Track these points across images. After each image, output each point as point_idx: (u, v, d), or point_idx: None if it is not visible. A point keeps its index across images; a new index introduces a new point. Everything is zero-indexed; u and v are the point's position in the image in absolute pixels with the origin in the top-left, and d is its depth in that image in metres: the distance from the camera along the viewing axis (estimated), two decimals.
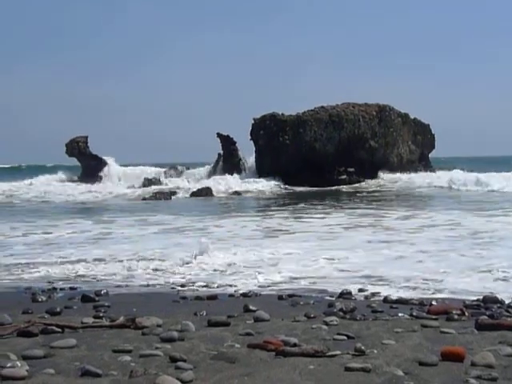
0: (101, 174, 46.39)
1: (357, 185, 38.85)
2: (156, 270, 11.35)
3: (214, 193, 35.43)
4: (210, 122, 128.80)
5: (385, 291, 9.11)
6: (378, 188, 37.15)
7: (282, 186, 38.52)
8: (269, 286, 9.78)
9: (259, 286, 9.79)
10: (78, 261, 12.29)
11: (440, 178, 38.80)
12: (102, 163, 47.65)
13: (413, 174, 40.91)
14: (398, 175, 40.60)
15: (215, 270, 11.18)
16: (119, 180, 46.19)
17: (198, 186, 37.48)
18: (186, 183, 40.81)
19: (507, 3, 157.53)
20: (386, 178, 40.47)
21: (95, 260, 12.34)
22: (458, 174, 38.87)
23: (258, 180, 39.78)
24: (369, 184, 39.04)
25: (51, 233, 17.31)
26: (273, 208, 25.90)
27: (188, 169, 48.10)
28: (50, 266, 11.75)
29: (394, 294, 8.77)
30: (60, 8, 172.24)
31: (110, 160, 48.18)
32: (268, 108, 60.91)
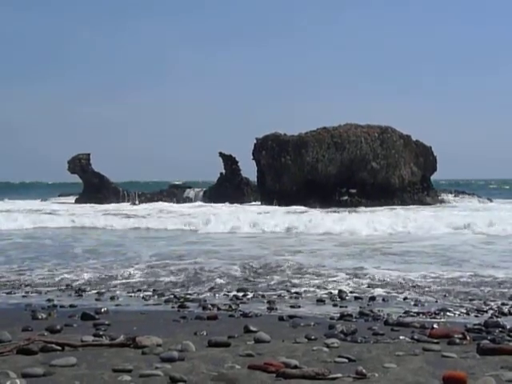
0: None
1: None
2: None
3: None
4: (212, 141, 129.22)
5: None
6: None
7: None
8: None
9: None
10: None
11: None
12: (104, 181, 47.78)
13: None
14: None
15: None
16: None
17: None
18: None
19: None
20: None
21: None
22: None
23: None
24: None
25: None
26: None
27: (189, 187, 48.30)
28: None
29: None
30: (62, 27, 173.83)
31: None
32: (271, 127, 61.22)
